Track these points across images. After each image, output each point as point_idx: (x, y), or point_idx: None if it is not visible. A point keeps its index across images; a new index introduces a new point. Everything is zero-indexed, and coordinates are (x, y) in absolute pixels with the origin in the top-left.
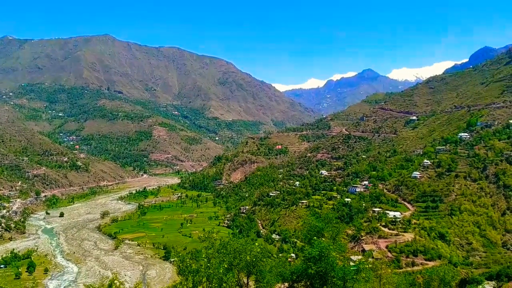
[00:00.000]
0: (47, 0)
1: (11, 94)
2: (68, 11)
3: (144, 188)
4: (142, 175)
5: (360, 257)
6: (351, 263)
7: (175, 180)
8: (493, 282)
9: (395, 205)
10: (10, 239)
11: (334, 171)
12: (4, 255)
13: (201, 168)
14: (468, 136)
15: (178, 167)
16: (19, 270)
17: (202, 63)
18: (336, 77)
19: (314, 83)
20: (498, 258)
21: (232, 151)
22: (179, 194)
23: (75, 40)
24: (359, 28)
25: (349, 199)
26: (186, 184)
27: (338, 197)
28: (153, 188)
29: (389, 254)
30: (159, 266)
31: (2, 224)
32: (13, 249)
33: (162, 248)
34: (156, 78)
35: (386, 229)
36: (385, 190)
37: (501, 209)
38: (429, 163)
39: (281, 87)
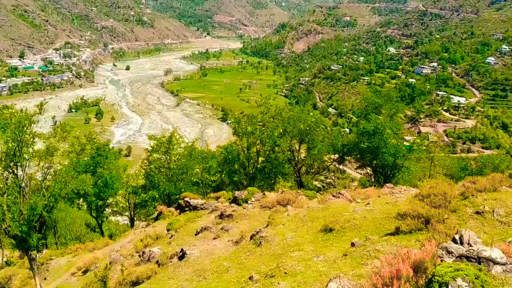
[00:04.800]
0: None
1: None
2: None
3: (207, 50)
4: (205, 36)
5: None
6: (405, 143)
7: (237, 45)
8: None
9: (461, 91)
10: (80, 86)
11: (402, 49)
12: (75, 101)
13: (264, 35)
14: None
15: (241, 31)
16: (88, 115)
17: None
18: None
19: None
20: None
21: (297, 19)
22: (240, 59)
23: None
24: None
25: (413, 80)
26: (247, 49)
27: (402, 77)
28: (215, 51)
29: (446, 139)
30: (217, 126)
31: (73, 72)
32: (83, 96)
33: (220, 109)
34: None
35: (447, 114)
36: (453, 74)
37: None
38: (508, 49)
39: None
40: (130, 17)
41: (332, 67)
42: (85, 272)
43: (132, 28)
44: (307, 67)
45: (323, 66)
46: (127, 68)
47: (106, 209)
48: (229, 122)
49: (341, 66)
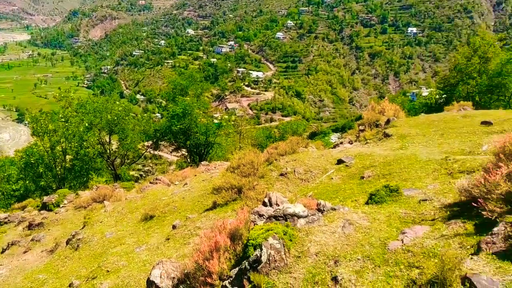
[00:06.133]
0: None
1: None
2: None
3: None
4: None
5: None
6: (215, 120)
7: (24, 37)
8: (338, 134)
9: (258, 66)
10: None
11: (200, 30)
12: None
13: (54, 24)
14: None
15: (27, 21)
16: None
17: None
18: None
19: None
20: (344, 113)
21: (90, 5)
22: (30, 52)
23: None
24: None
25: (215, 60)
26: (37, 41)
27: (204, 57)
28: None
29: (251, 112)
30: (12, 129)
31: None
32: None
33: (14, 110)
34: None
35: (248, 89)
36: (249, 51)
37: (351, 69)
38: (292, 24)
39: None
40: None
41: (134, 53)
42: None
43: None
44: (108, 54)
45: (125, 52)
46: None
47: None
48: (27, 122)
49: (143, 51)
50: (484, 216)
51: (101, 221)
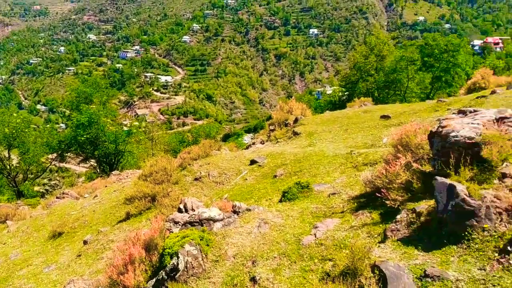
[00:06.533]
0: None
1: None
2: None
3: None
4: None
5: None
6: (124, 128)
7: None
8: (251, 134)
9: (167, 70)
10: None
11: (103, 35)
12: None
13: None
14: (233, 1)
15: None
16: None
17: None
18: None
19: None
20: (255, 113)
21: None
22: None
23: None
24: None
25: (120, 65)
26: None
27: (109, 63)
28: None
29: (162, 117)
30: None
31: None
32: None
33: None
34: None
35: (158, 94)
36: (156, 55)
37: (259, 70)
38: (198, 27)
39: None
40: None
41: (31, 61)
42: None
43: None
44: (2, 64)
45: (21, 60)
46: None
47: None
48: None
49: (41, 59)
50: (388, 205)
51: (4, 242)
